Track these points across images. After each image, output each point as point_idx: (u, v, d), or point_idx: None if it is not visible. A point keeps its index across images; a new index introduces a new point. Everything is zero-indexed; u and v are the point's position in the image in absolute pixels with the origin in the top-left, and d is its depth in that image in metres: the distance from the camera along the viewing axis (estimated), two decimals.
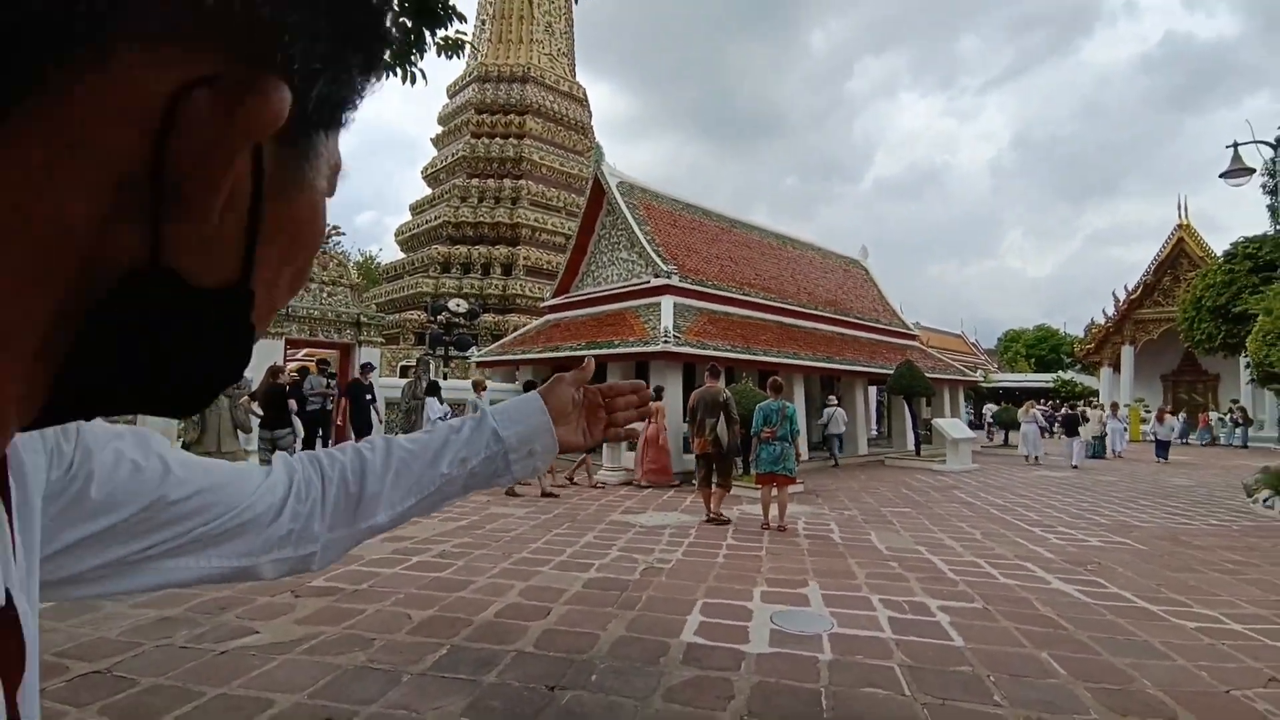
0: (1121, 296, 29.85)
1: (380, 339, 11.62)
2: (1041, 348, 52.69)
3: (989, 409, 25.94)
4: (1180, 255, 28.12)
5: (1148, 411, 24.07)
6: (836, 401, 14.31)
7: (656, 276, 12.81)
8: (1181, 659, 3.34)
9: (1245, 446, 21.91)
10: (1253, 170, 9.49)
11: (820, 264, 19.53)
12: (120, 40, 0.20)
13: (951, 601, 4.29)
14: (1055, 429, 17.96)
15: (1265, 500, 8.57)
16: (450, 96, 26.64)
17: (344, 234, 11.65)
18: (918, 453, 15.49)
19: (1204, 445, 23.49)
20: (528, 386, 10.17)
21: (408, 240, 25.09)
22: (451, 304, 13.36)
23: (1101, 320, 30.96)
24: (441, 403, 10.22)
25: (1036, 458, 15.58)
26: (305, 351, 12.52)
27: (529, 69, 25.12)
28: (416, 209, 25.75)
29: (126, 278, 0.23)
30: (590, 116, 27.55)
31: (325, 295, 11.07)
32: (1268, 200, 24.01)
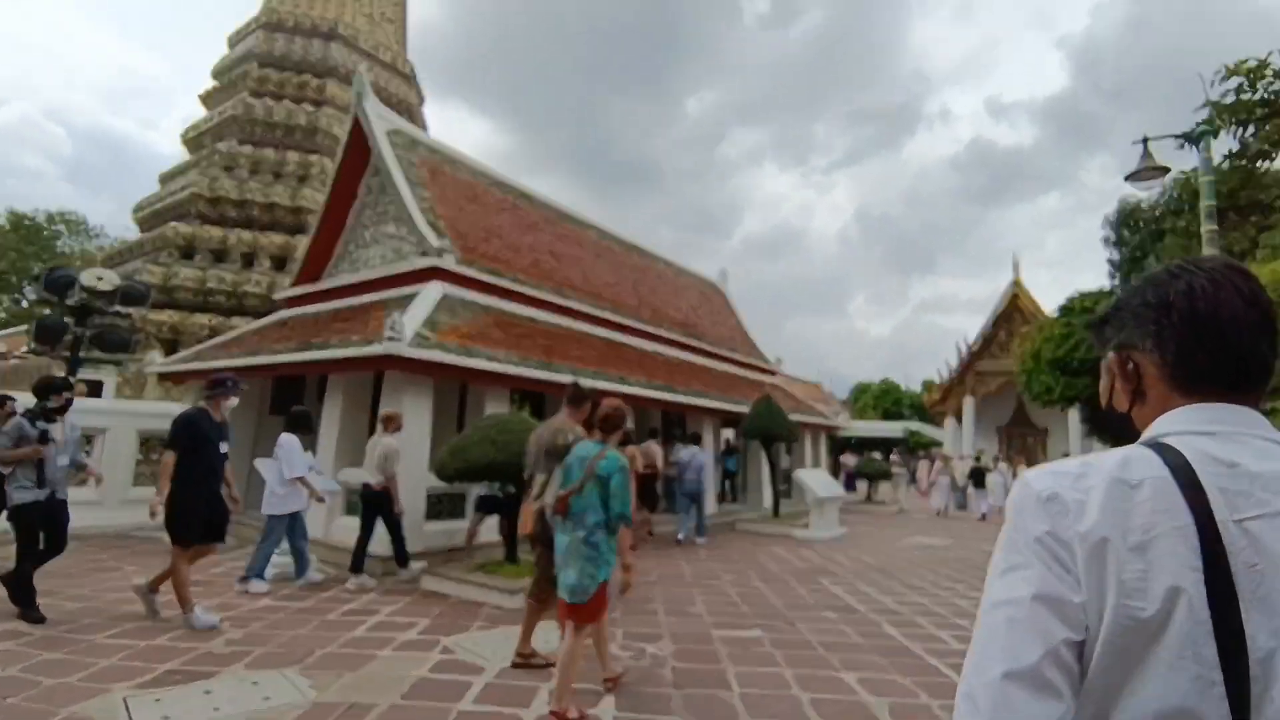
0: (964, 349, 30.38)
1: None
2: (886, 400, 54.91)
3: (846, 459, 24.27)
4: (1015, 310, 29.11)
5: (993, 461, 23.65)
6: (694, 439, 10.75)
7: (424, 255, 8.74)
8: None
9: None
10: (1167, 169, 7.58)
11: (673, 280, 16.48)
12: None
13: None
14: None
15: None
16: (231, 46, 21.02)
17: None
18: (775, 512, 12.44)
19: None
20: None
21: (148, 218, 18.74)
22: (85, 275, 8.24)
23: (937, 378, 31.38)
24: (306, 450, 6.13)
25: (946, 508, 15.75)
26: None
27: (337, 25, 20.40)
28: (166, 179, 19.50)
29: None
30: (421, 102, 23.15)
31: None
32: (1108, 255, 25.08)
